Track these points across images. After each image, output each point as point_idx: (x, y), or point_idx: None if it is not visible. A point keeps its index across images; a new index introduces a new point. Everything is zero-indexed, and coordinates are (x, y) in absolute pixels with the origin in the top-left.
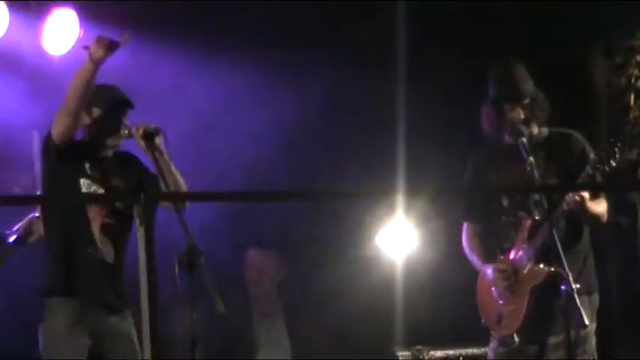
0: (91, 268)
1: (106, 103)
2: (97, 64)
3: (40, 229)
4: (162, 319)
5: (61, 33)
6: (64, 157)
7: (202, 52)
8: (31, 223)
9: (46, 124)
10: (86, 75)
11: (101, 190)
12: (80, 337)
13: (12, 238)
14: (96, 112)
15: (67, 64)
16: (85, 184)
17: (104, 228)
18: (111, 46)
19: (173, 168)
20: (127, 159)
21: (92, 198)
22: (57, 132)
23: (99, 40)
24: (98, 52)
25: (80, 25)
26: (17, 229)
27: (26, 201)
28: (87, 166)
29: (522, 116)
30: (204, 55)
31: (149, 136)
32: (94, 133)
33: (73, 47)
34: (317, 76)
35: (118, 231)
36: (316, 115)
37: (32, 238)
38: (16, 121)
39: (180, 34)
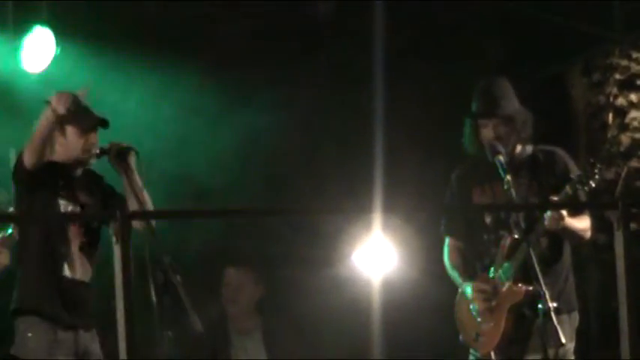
0: (68, 288)
1: (78, 121)
2: (57, 116)
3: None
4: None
5: (39, 51)
6: (36, 179)
7: (175, 73)
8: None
9: (24, 141)
10: (48, 123)
11: (77, 209)
12: (57, 356)
13: None
14: (69, 130)
15: (44, 81)
16: (62, 204)
17: (82, 247)
18: (70, 102)
19: (140, 186)
20: (93, 176)
21: (69, 217)
22: (26, 159)
23: (60, 96)
24: (59, 108)
25: (57, 43)
26: None
27: (3, 219)
28: (60, 185)
29: (493, 134)
30: (176, 75)
31: (122, 155)
32: (67, 152)
33: (50, 65)
34: (294, 93)
35: (92, 249)
36: (293, 132)
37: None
38: None
39: (151, 53)
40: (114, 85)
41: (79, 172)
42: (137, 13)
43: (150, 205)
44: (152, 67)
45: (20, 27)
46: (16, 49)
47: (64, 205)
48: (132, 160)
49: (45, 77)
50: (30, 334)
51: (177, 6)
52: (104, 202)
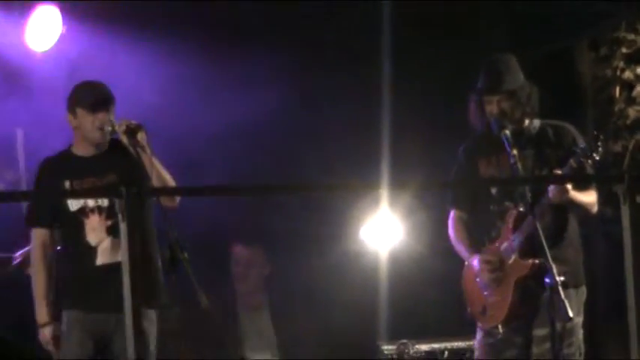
0: (101, 276)
1: (89, 103)
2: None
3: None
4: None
5: (44, 30)
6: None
7: (183, 50)
8: (29, 253)
9: (30, 121)
10: None
11: (88, 202)
12: (81, 339)
13: (15, 262)
14: (80, 112)
15: (50, 61)
16: (72, 203)
17: (110, 230)
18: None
19: (157, 163)
20: (123, 153)
21: (74, 194)
22: None
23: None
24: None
25: (63, 21)
26: (21, 254)
27: (11, 197)
28: (67, 185)
29: (497, 109)
30: (184, 53)
31: (132, 132)
32: (81, 134)
33: (56, 44)
34: (303, 72)
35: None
36: (301, 110)
37: (28, 270)
38: (1, 118)
39: (158, 30)
40: (119, 62)
41: (98, 149)
42: None
43: (169, 181)
44: (159, 45)
45: (26, 5)
46: (21, 28)
47: (73, 202)
48: (142, 137)
49: (51, 56)
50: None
51: None
52: (127, 180)
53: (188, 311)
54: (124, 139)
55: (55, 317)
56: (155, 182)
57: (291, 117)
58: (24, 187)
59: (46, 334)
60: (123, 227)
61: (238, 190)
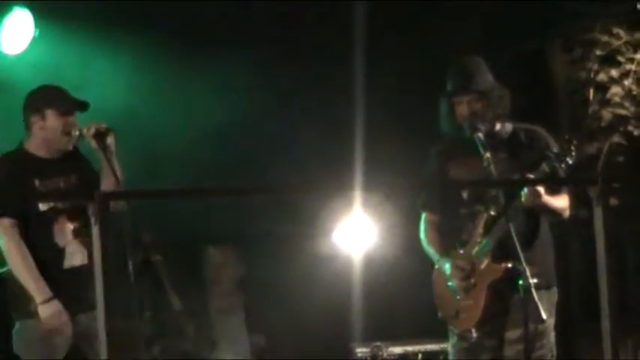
0: (68, 278)
1: (57, 106)
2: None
3: None
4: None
5: (17, 33)
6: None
7: (154, 53)
8: None
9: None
10: None
11: (58, 203)
12: (56, 341)
13: None
14: (50, 114)
15: (23, 63)
16: (42, 204)
17: (76, 232)
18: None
19: (117, 166)
20: (79, 156)
21: (46, 196)
22: None
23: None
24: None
25: (36, 24)
26: None
27: None
28: (37, 183)
29: (468, 110)
30: (155, 56)
31: (101, 136)
32: (46, 135)
33: (29, 46)
34: (273, 71)
35: (88, 230)
36: (272, 111)
37: None
38: None
39: (129, 32)
40: (92, 66)
41: (61, 153)
42: None
43: (121, 185)
44: (130, 47)
45: None
46: None
47: (44, 203)
48: (111, 140)
49: (23, 59)
50: (26, 332)
51: None
52: (86, 182)
53: (160, 314)
54: (93, 143)
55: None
56: (108, 184)
57: (263, 118)
58: None
59: (55, 305)
60: (95, 230)
61: (210, 191)
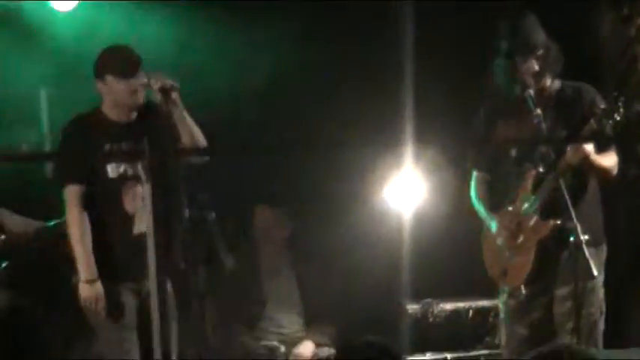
0: (138, 244)
1: (119, 69)
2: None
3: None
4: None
5: None
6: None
7: (198, 14)
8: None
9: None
10: None
11: (130, 167)
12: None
13: None
14: (110, 79)
15: (72, 21)
16: (112, 169)
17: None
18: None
19: (190, 120)
20: (154, 115)
21: (111, 158)
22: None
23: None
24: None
25: None
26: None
27: (34, 157)
28: (107, 148)
29: (536, 68)
30: (199, 16)
31: (166, 91)
32: (114, 100)
33: (78, 4)
34: (319, 25)
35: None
36: (321, 67)
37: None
38: (24, 78)
39: None
40: (140, 25)
41: (133, 114)
42: None
43: (200, 139)
44: (173, 8)
45: None
46: None
47: (113, 168)
48: (176, 96)
49: (73, 16)
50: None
51: None
52: (158, 144)
53: (213, 272)
54: (158, 98)
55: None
56: (187, 139)
57: (312, 74)
58: (47, 147)
59: (96, 288)
60: (147, 188)
61: (260, 149)
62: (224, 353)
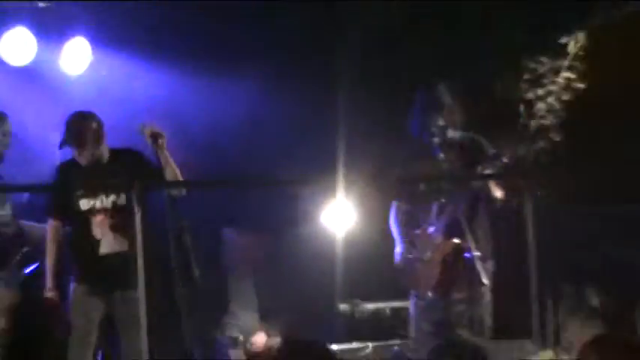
0: (104, 262)
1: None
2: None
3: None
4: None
5: (77, 57)
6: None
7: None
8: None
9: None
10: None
11: (99, 201)
12: (91, 311)
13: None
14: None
15: (81, 83)
16: (83, 204)
17: (113, 227)
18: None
19: (171, 161)
20: (122, 157)
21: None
22: None
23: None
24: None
25: (92, 50)
26: None
27: (38, 189)
28: (81, 187)
29: (441, 123)
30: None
31: (155, 136)
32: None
33: (87, 69)
34: (272, 84)
35: (124, 226)
36: (259, 106)
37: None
38: (41, 126)
39: (158, 53)
40: (138, 82)
41: (104, 157)
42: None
43: (179, 175)
44: (163, 63)
45: (61, 36)
46: (58, 55)
47: (85, 203)
48: (162, 142)
49: (82, 79)
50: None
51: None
52: (136, 176)
53: (183, 281)
54: (149, 141)
55: (56, 287)
56: (169, 175)
57: (262, 119)
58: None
59: (53, 296)
60: (138, 217)
61: (224, 183)
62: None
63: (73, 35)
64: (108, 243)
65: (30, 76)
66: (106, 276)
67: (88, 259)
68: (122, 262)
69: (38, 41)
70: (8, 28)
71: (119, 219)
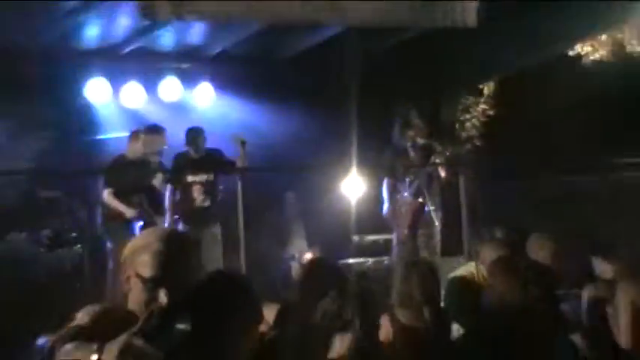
0: (197, 210)
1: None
2: None
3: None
4: None
5: (204, 96)
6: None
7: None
8: None
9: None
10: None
11: (198, 177)
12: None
13: None
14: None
15: (205, 112)
16: (189, 178)
17: (204, 191)
18: None
19: (245, 157)
20: (210, 154)
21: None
22: None
23: None
24: None
25: (215, 91)
26: None
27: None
28: (188, 169)
29: (411, 133)
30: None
31: (243, 143)
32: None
33: (210, 108)
34: (299, 108)
35: (213, 191)
36: (297, 127)
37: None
38: (179, 139)
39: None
40: (236, 113)
41: (202, 154)
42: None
43: (246, 164)
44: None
45: (195, 82)
46: (192, 94)
47: (190, 178)
48: (246, 147)
49: (207, 110)
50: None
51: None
52: (219, 163)
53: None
54: (238, 144)
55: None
56: (240, 163)
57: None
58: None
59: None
60: (239, 186)
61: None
62: None
63: (202, 81)
64: (200, 201)
65: (176, 108)
66: (199, 219)
67: (187, 209)
68: (208, 212)
69: (183, 85)
70: (162, 79)
71: (208, 187)
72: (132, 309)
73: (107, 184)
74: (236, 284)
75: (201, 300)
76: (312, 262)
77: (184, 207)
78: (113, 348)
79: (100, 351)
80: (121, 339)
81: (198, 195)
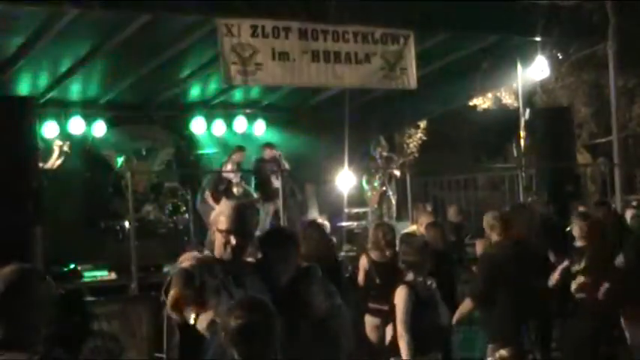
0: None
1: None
2: None
3: None
4: None
5: (259, 127)
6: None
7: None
8: None
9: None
10: None
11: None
12: None
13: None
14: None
15: (262, 144)
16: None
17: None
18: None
19: (284, 164)
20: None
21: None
22: None
23: None
24: None
25: (267, 126)
26: None
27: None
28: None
29: (379, 149)
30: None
31: (280, 155)
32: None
33: (263, 135)
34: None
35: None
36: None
37: None
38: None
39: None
40: (277, 137)
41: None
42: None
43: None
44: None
45: (251, 121)
46: (249, 130)
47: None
48: (282, 157)
49: (259, 140)
50: None
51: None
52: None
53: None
54: (278, 156)
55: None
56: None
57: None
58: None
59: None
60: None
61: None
62: None
63: (259, 119)
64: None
65: (243, 136)
66: (272, 196)
67: (269, 191)
68: (276, 192)
69: (247, 122)
70: (235, 118)
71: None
72: (216, 253)
73: (209, 187)
74: (284, 232)
75: (266, 238)
76: (312, 222)
77: (266, 190)
78: (203, 319)
79: (195, 319)
80: (209, 315)
81: (275, 182)
